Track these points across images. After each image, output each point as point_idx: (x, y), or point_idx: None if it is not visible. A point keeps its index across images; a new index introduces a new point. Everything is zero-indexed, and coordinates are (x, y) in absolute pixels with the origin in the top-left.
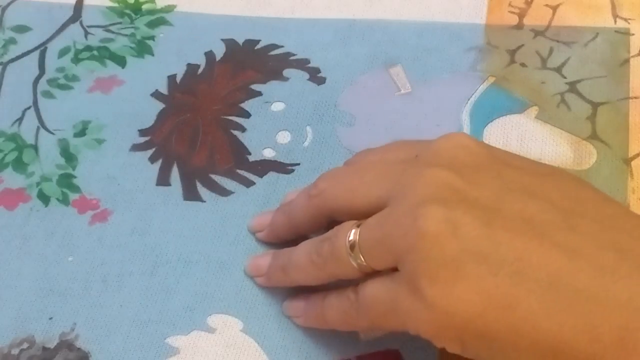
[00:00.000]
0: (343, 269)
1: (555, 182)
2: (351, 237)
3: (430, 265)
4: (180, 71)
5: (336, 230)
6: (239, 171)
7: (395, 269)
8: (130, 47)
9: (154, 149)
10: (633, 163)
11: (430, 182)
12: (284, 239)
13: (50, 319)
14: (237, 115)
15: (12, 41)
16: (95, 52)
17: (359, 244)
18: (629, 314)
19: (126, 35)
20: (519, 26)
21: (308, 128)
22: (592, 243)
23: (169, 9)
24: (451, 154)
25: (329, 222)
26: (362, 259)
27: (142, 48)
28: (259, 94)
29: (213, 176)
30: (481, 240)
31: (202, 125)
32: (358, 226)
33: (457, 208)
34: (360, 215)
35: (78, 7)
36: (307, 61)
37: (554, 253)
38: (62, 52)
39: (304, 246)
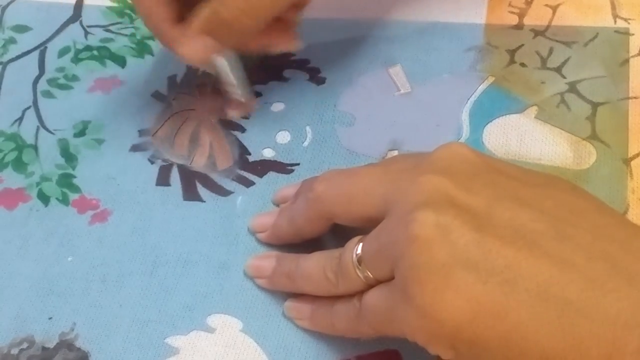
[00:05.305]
0: (353, 284)
1: (550, 191)
2: (358, 251)
3: (421, 271)
4: (180, 71)
5: (345, 246)
6: (238, 171)
7: (393, 277)
8: (131, 47)
9: (153, 150)
10: (633, 163)
11: (422, 188)
12: (287, 242)
13: (50, 318)
14: None
15: (12, 41)
16: (95, 52)
17: (362, 257)
18: (617, 329)
19: (126, 35)
20: (519, 26)
21: (308, 128)
22: (583, 254)
23: None
24: (447, 162)
25: (331, 224)
26: (368, 272)
27: (142, 48)
28: (259, 94)
29: (213, 176)
30: (471, 246)
31: (202, 125)
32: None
33: (447, 213)
34: (360, 220)
35: (78, 7)
36: (307, 61)
37: (544, 263)
38: (62, 52)
39: (316, 260)
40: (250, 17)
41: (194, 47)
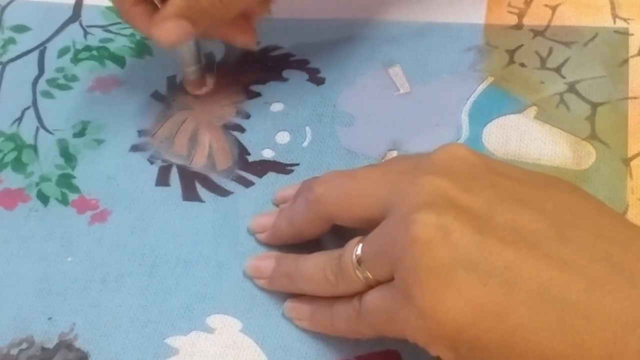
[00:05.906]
0: (353, 285)
1: (550, 192)
2: (358, 252)
3: (421, 273)
4: (179, 72)
5: (345, 247)
6: (238, 171)
7: (393, 278)
8: (130, 47)
9: (153, 150)
10: (632, 163)
11: (423, 190)
12: (287, 243)
13: (50, 319)
14: (237, 116)
15: (11, 41)
16: (94, 52)
17: (362, 258)
18: (618, 329)
19: (125, 35)
20: (518, 26)
21: (307, 128)
22: (583, 255)
23: None
24: (447, 163)
25: (331, 225)
26: (368, 273)
27: (142, 48)
28: (259, 94)
29: (212, 176)
30: (471, 248)
31: (201, 125)
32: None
33: (448, 214)
34: (360, 221)
35: (77, 7)
36: (306, 62)
37: (545, 264)
38: (62, 52)
39: (316, 261)
40: (226, 7)
41: (169, 29)
